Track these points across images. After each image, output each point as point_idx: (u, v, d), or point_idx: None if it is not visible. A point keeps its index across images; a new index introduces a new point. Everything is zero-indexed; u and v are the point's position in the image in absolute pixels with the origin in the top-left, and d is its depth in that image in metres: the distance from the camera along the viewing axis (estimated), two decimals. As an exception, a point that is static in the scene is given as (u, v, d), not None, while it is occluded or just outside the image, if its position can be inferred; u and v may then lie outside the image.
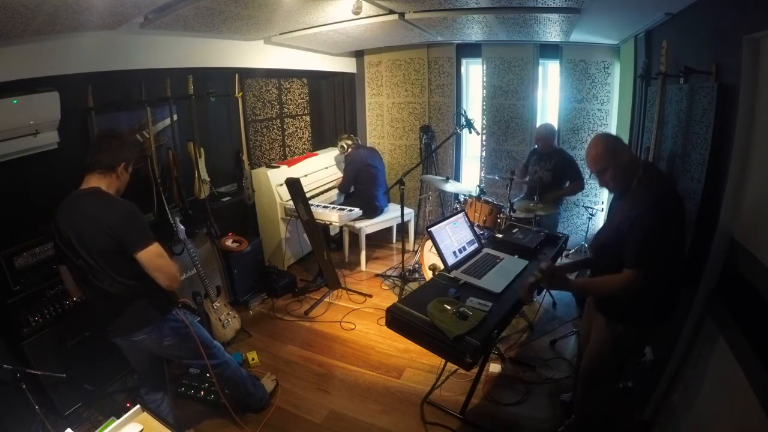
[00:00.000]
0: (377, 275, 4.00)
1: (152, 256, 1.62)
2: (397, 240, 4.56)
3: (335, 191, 4.39)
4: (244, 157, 3.73)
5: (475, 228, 2.61)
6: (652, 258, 1.51)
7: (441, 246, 2.23)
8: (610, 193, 1.73)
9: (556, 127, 3.77)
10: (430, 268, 3.14)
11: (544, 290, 3.28)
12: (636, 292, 1.52)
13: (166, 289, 1.72)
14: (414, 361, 2.78)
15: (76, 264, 1.67)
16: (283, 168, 4.07)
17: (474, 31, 3.66)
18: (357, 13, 2.63)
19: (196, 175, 3.23)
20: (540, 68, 4.17)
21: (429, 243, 3.20)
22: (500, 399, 2.43)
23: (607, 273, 1.65)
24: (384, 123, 4.99)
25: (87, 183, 1.67)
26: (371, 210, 4.06)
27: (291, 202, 3.49)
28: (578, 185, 3.54)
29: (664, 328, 1.74)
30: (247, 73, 3.80)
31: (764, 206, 1.48)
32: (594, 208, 4.01)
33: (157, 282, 1.65)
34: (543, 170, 3.51)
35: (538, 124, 4.10)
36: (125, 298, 1.70)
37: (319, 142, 5.09)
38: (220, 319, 2.89)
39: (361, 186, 4.08)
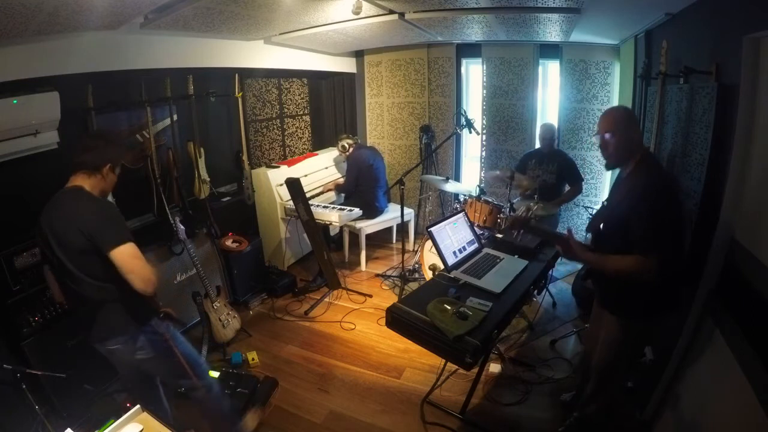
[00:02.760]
0: (377, 275, 4.00)
1: (125, 256, 1.53)
2: (397, 240, 4.55)
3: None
4: (244, 157, 3.73)
5: (475, 228, 2.61)
6: (661, 242, 1.50)
7: (441, 246, 2.23)
8: (604, 159, 1.74)
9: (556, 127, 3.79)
10: (430, 268, 3.14)
11: (545, 290, 3.28)
12: (651, 278, 1.51)
13: (145, 297, 1.62)
14: (414, 361, 2.78)
15: (54, 264, 1.62)
16: (283, 168, 4.07)
17: (474, 31, 3.66)
18: (357, 13, 2.63)
19: (196, 175, 3.23)
20: (540, 68, 4.17)
21: (429, 243, 3.20)
22: (500, 399, 2.43)
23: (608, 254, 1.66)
24: (384, 123, 4.99)
25: (71, 182, 1.64)
26: (371, 210, 4.05)
27: (291, 202, 3.48)
28: (578, 188, 3.56)
29: (667, 325, 1.74)
30: (247, 73, 3.80)
31: (764, 206, 1.48)
32: (594, 208, 4.01)
33: (132, 285, 1.55)
34: (547, 173, 3.51)
35: (538, 124, 4.10)
36: (99, 302, 1.64)
37: (319, 142, 5.09)
38: (220, 319, 2.89)
39: (362, 186, 4.07)
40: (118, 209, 1.65)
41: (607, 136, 1.67)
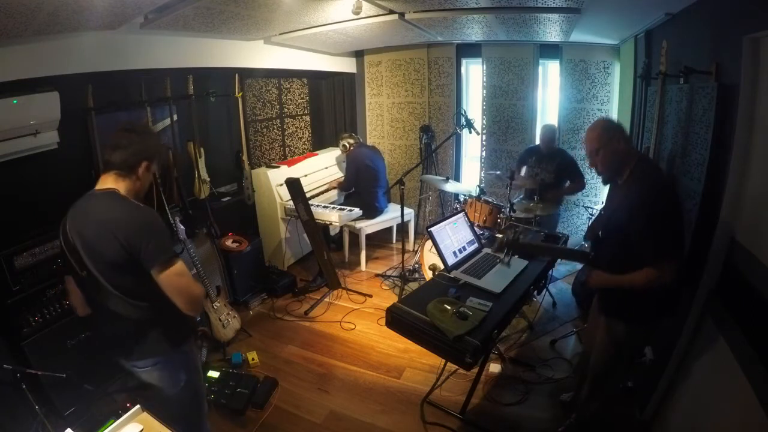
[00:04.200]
0: (377, 275, 4.00)
1: (173, 276, 1.34)
2: (397, 240, 4.55)
3: (335, 191, 4.39)
4: (244, 157, 3.73)
5: (475, 228, 2.61)
6: (672, 247, 1.51)
7: (441, 246, 2.23)
8: (598, 176, 1.76)
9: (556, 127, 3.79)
10: (430, 268, 3.14)
11: (545, 290, 3.28)
12: (669, 283, 1.50)
13: (186, 315, 1.44)
14: (414, 361, 2.78)
15: (81, 276, 1.40)
16: (283, 168, 4.07)
17: (474, 31, 3.66)
18: (357, 13, 2.63)
19: (196, 175, 3.23)
20: (540, 68, 4.17)
21: (429, 243, 3.20)
22: (500, 399, 2.43)
23: (606, 262, 1.67)
24: (384, 123, 4.99)
25: (103, 183, 1.42)
26: (371, 210, 4.05)
27: (291, 202, 3.49)
28: (579, 185, 3.56)
29: (666, 326, 1.74)
30: (247, 73, 3.80)
31: (764, 206, 1.48)
32: (594, 208, 4.01)
33: (178, 306, 1.38)
34: (545, 171, 3.51)
35: (538, 124, 4.10)
36: (135, 321, 1.43)
37: (319, 142, 5.09)
38: (220, 319, 2.89)
39: (362, 186, 4.08)
40: (160, 218, 1.43)
41: (593, 153, 1.68)
